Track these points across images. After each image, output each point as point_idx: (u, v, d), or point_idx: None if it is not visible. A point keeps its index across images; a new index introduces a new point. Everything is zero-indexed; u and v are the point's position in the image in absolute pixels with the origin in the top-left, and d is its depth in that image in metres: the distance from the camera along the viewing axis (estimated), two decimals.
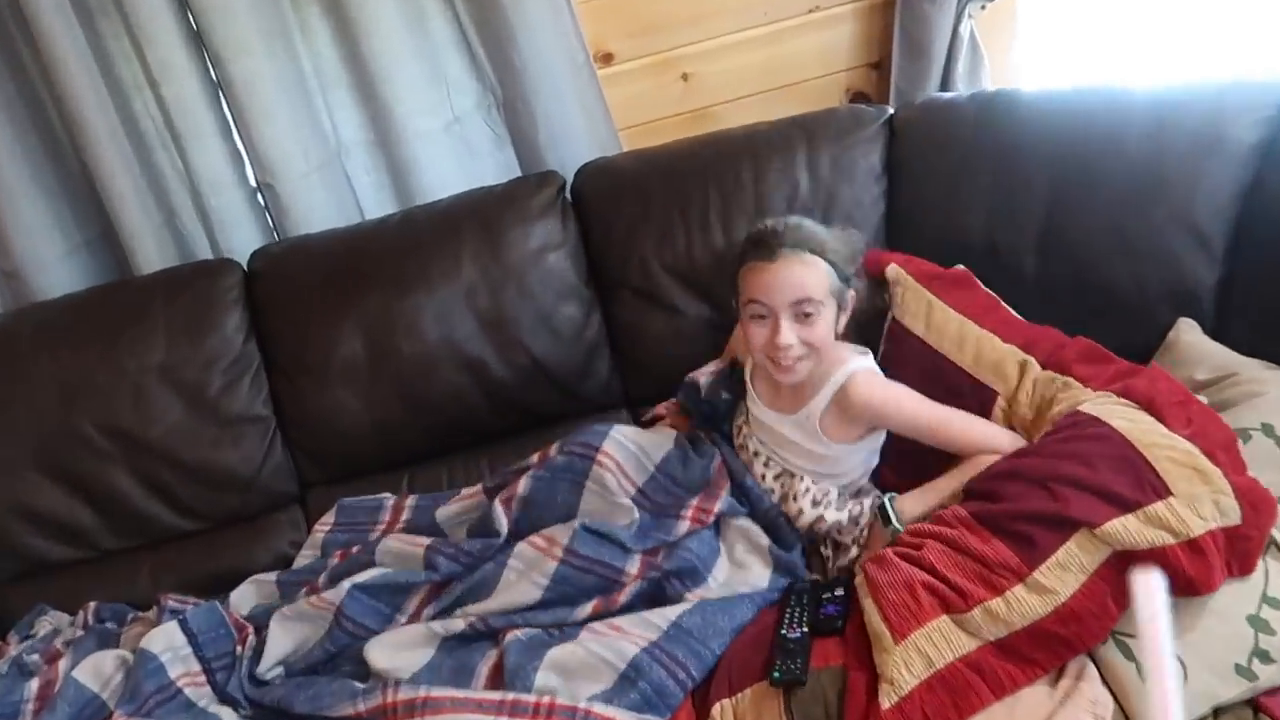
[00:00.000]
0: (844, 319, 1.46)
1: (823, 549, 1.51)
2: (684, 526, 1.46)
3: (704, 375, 1.77)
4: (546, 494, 1.52)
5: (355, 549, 1.65)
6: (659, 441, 1.58)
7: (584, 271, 1.87)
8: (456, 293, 1.81)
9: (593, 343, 1.87)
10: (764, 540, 1.47)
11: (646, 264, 1.82)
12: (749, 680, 1.28)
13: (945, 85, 1.99)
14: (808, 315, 1.38)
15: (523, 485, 1.53)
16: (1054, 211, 1.57)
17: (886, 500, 1.40)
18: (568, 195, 1.93)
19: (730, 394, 1.61)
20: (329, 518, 1.76)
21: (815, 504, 1.47)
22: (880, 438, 1.52)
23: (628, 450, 1.54)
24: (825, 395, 1.46)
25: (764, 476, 1.53)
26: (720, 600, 1.41)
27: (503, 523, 1.52)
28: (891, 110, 1.83)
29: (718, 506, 1.49)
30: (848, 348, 1.51)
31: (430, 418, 1.84)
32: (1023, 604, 1.14)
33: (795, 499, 1.49)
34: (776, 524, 1.49)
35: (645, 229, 1.82)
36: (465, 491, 1.69)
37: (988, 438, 1.40)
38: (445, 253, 1.83)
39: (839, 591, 1.38)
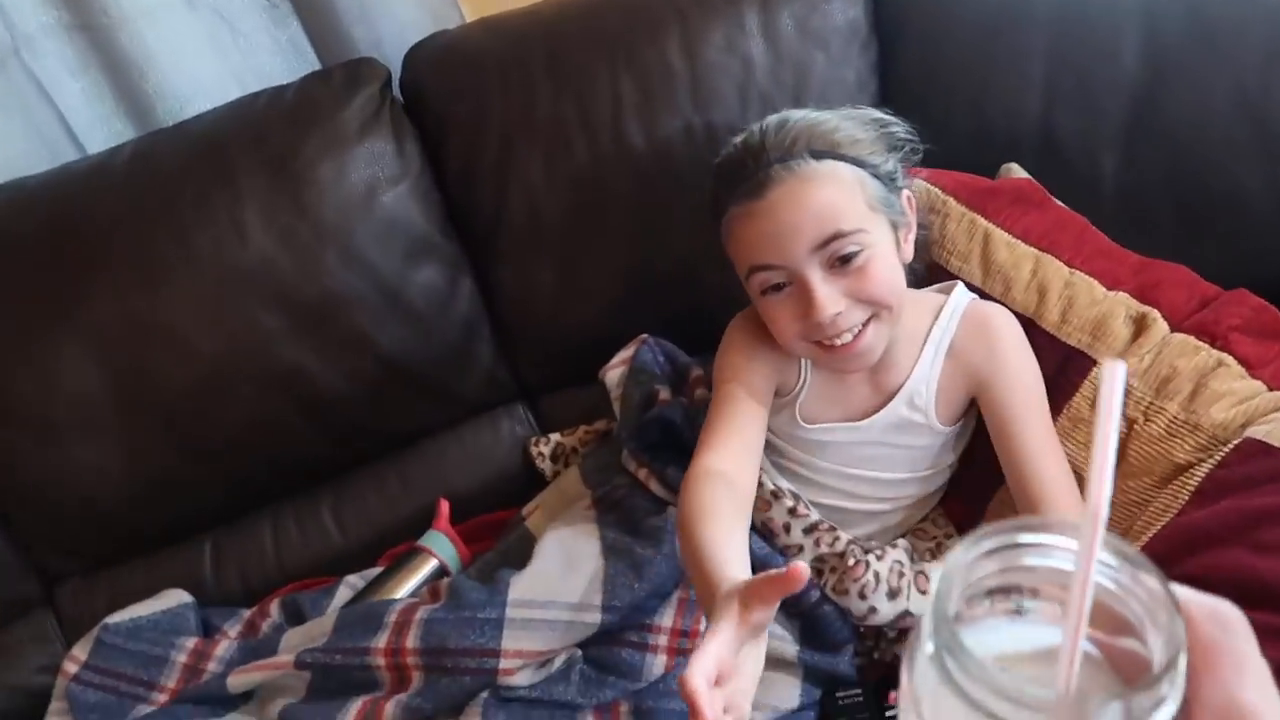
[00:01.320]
0: (909, 236, 0.94)
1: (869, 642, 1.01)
2: (656, 664, 0.94)
3: (617, 366, 1.22)
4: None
5: None
6: (582, 553, 1.00)
7: (439, 215, 1.24)
8: (241, 270, 1.15)
9: (464, 318, 1.26)
10: (790, 649, 0.96)
11: (531, 193, 1.21)
12: None
13: None
14: (848, 257, 0.86)
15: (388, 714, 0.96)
16: (1151, 83, 1.06)
17: None
18: (397, 95, 1.27)
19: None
20: (81, 651, 1.12)
21: (893, 595, 0.93)
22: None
23: (541, 621, 0.96)
24: (936, 344, 0.96)
25: (801, 548, 0.98)
26: None
27: None
28: None
29: (705, 624, 0.96)
30: (919, 293, 1.01)
31: (230, 464, 1.21)
32: None
33: (858, 582, 0.93)
34: (818, 620, 0.96)
35: (524, 142, 1.20)
36: (252, 615, 1.13)
37: (1065, 494, 0.90)
38: (214, 206, 1.15)
39: None
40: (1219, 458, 0.84)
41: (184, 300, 1.14)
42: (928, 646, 0.30)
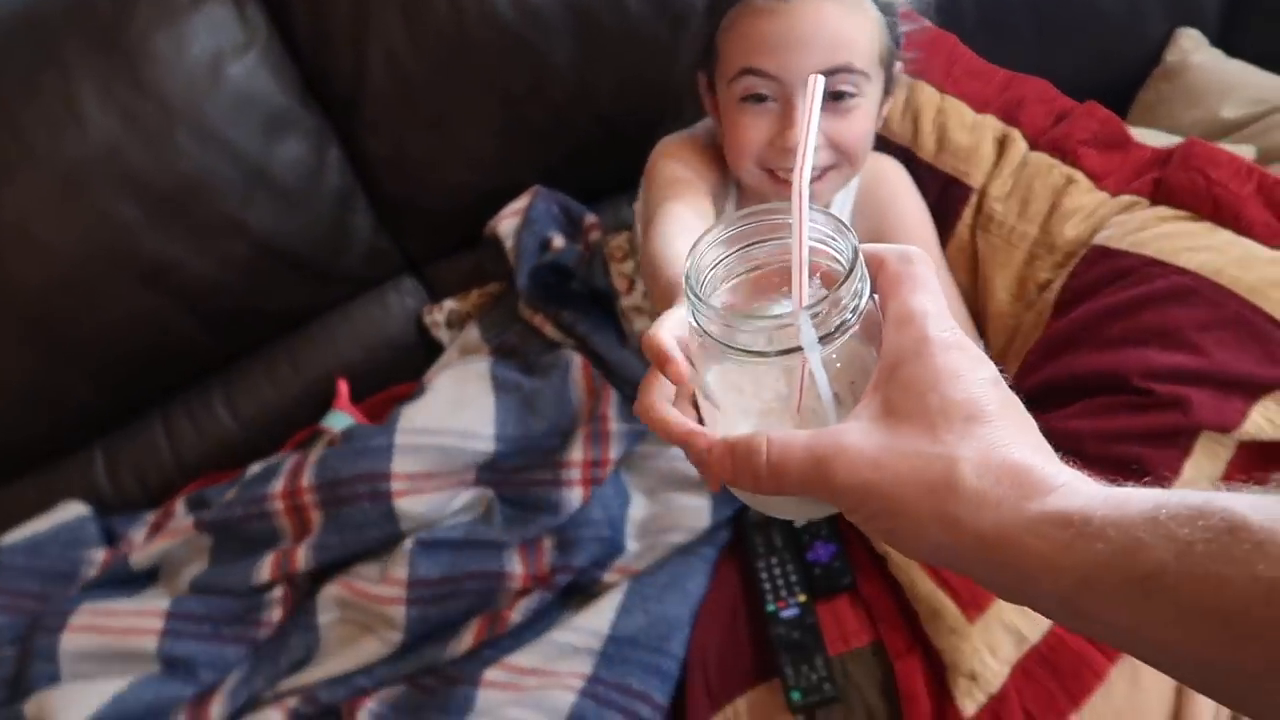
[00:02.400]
0: (888, 107, 0.92)
1: None
2: (573, 496, 0.97)
3: (510, 216, 1.21)
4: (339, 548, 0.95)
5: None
6: (471, 391, 1.02)
7: (295, 83, 1.18)
8: (85, 160, 1.07)
9: (337, 190, 1.21)
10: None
11: (392, 52, 1.15)
12: (737, 685, 0.89)
13: None
14: (842, 95, 0.82)
15: (301, 559, 0.96)
16: None
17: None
18: None
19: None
20: None
21: None
22: None
23: (430, 446, 0.98)
24: (841, 201, 0.97)
25: None
26: (658, 572, 0.96)
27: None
28: None
29: (613, 452, 1.00)
30: None
31: (107, 365, 1.16)
32: None
33: None
34: None
35: (376, 6, 1.14)
36: (158, 517, 1.10)
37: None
38: (43, 91, 1.06)
39: None
40: (1071, 269, 0.91)
41: (27, 197, 1.06)
42: (691, 325, 0.38)
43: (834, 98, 0.81)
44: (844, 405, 0.39)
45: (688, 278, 0.38)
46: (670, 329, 0.40)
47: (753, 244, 0.40)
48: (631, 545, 0.99)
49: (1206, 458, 0.78)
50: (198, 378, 1.24)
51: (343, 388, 1.21)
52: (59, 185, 1.06)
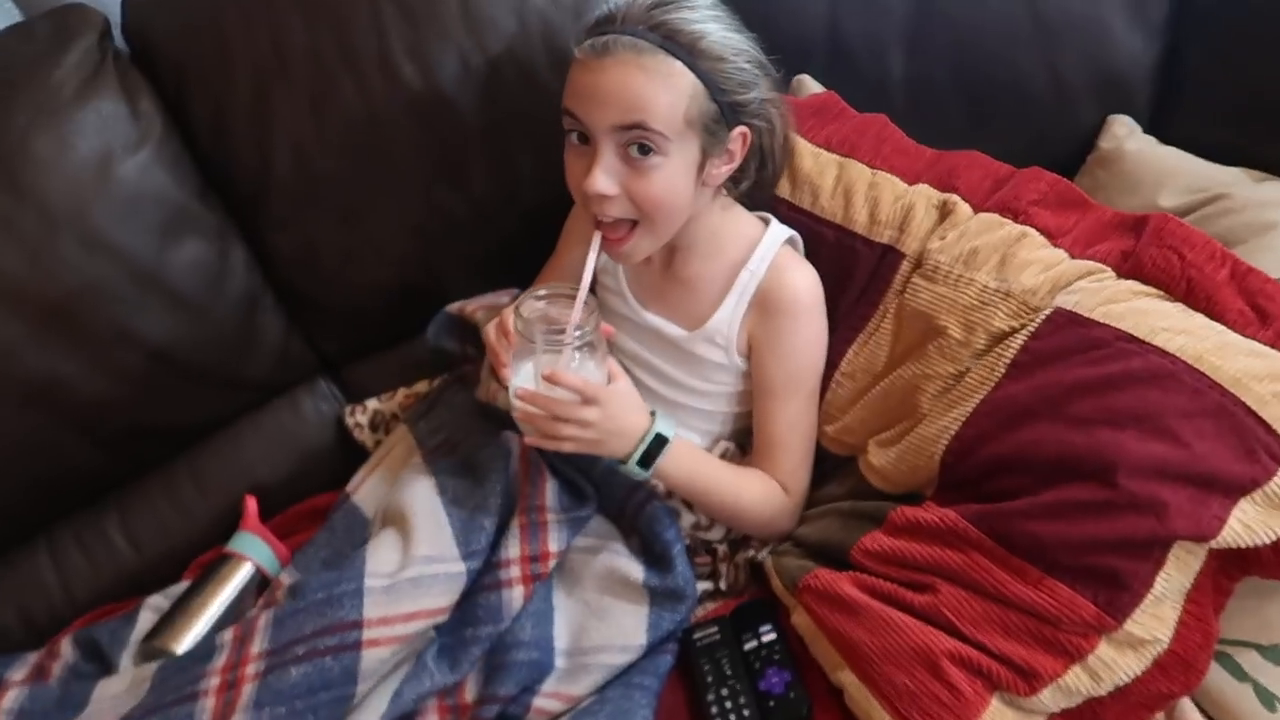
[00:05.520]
0: (723, 169, 0.92)
1: None
2: (514, 597, 0.91)
3: (488, 309, 1.16)
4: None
5: None
6: (422, 511, 0.96)
7: (193, 180, 1.10)
8: None
9: (243, 292, 1.13)
10: (635, 572, 0.94)
11: (298, 143, 1.09)
12: None
13: None
14: (643, 149, 0.86)
15: None
16: None
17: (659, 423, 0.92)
18: (120, 44, 1.10)
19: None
20: None
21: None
22: None
23: (403, 581, 0.89)
24: (741, 291, 0.98)
25: None
26: (598, 711, 0.88)
27: None
28: None
29: (553, 544, 0.94)
30: (740, 214, 1.00)
31: None
32: (1112, 669, 0.74)
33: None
34: (647, 521, 0.96)
35: (280, 84, 1.07)
36: (41, 657, 0.99)
37: (790, 456, 1.00)
38: None
39: (766, 634, 0.92)
40: (1032, 329, 0.85)
41: None
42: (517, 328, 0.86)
43: (639, 150, 0.85)
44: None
45: (518, 309, 0.87)
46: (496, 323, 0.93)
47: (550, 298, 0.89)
48: (560, 662, 0.92)
49: (1178, 569, 0.73)
50: (89, 500, 1.14)
51: (251, 505, 1.11)
52: None
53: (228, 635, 0.90)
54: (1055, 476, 0.78)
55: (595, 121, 0.85)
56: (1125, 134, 1.05)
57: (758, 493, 0.97)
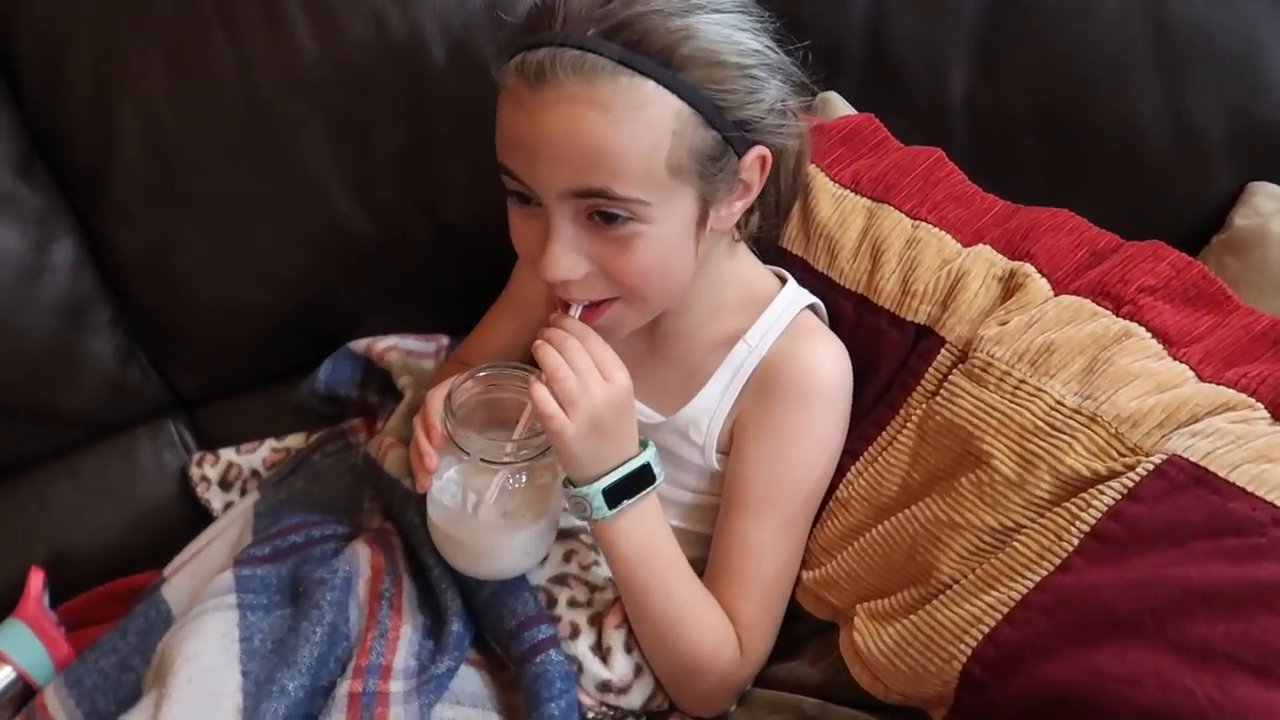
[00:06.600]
0: (736, 205, 0.67)
1: None
2: None
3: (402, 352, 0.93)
4: None
5: None
6: (210, 681, 0.67)
7: (15, 150, 0.86)
8: None
9: (64, 299, 0.88)
10: None
11: (154, 118, 0.85)
12: None
13: None
14: (612, 218, 0.61)
15: None
16: None
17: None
18: None
19: None
20: None
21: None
22: None
23: None
24: (734, 370, 0.72)
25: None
26: None
27: None
28: None
29: None
30: (750, 266, 0.75)
31: None
32: None
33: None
34: (532, 680, 0.67)
35: (136, 42, 0.83)
36: None
37: (753, 600, 0.71)
38: None
39: None
40: (1131, 482, 0.57)
41: None
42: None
43: (604, 219, 0.61)
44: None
45: (449, 397, 0.66)
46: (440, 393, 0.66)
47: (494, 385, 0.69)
48: None
49: None
50: None
51: (34, 582, 0.84)
52: None
53: None
54: None
55: (540, 185, 0.61)
56: (1273, 210, 0.75)
57: (711, 623, 0.69)
